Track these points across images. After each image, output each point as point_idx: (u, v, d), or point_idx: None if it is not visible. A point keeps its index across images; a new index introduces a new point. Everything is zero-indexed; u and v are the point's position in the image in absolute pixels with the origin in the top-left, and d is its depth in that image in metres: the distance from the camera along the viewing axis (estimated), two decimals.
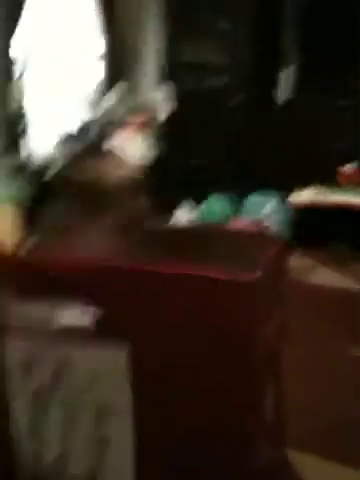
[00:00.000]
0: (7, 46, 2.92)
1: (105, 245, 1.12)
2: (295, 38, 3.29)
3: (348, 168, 2.94)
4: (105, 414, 0.85)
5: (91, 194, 1.15)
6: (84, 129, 2.97)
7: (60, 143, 2.84)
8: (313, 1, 3.21)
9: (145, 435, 0.84)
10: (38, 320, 0.81)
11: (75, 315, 0.81)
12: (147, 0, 3.74)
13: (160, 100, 3.33)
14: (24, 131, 2.99)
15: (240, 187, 3.13)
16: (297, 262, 0.99)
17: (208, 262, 0.76)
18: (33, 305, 0.82)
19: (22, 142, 2.98)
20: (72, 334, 0.82)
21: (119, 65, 3.84)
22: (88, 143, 2.68)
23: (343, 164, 2.95)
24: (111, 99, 3.23)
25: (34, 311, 0.81)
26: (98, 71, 3.75)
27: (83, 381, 0.84)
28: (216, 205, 3.20)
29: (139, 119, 3.11)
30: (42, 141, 3.02)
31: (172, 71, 3.78)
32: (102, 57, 3.74)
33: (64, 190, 1.22)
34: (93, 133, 2.79)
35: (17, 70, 2.99)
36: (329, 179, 2.92)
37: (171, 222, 2.58)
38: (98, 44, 3.68)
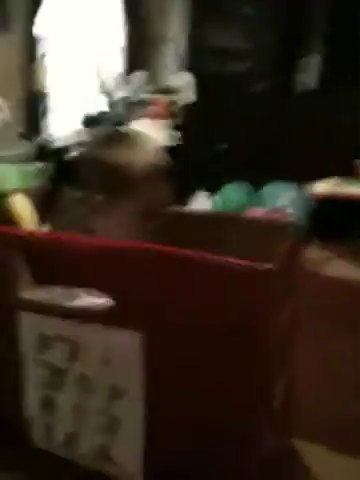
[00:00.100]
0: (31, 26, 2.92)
1: (124, 230, 1.12)
2: (320, 26, 3.25)
3: None
4: (117, 396, 0.86)
5: (114, 178, 1.15)
6: (106, 113, 2.97)
7: (81, 125, 2.85)
8: None
9: (155, 418, 0.85)
10: (55, 301, 0.82)
11: (91, 298, 0.82)
12: None
13: (182, 85, 3.31)
14: (46, 112, 3.00)
15: (258, 176, 3.12)
16: (313, 253, 0.99)
17: (224, 249, 0.76)
18: (50, 287, 0.83)
19: (43, 123, 2.99)
20: (87, 317, 0.83)
21: (142, 49, 3.83)
22: (110, 127, 2.68)
23: None
24: (133, 83, 3.23)
25: (51, 293, 0.82)
26: (120, 55, 3.74)
27: (96, 363, 0.86)
28: (233, 193, 3.19)
29: (161, 104, 3.10)
30: (63, 123, 3.03)
31: (195, 56, 3.75)
32: (125, 41, 3.73)
33: (85, 173, 1.23)
34: (115, 117, 2.79)
35: (40, 50, 3.00)
36: (348, 171, 2.89)
37: (189, 209, 2.58)
38: (121, 28, 3.66)
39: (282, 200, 3.00)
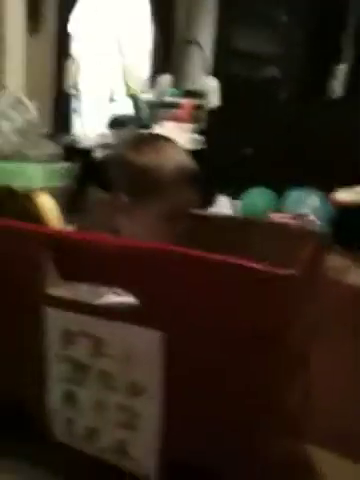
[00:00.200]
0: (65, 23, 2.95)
1: (149, 231, 1.14)
2: (350, 34, 3.24)
3: None
4: (136, 393, 0.88)
5: (142, 181, 1.17)
6: (131, 115, 3.00)
7: (108, 127, 2.88)
8: None
9: (173, 416, 0.86)
10: (81, 298, 0.84)
11: (116, 297, 0.84)
12: None
13: (208, 89, 3.32)
14: (73, 113, 3.04)
15: (281, 182, 3.12)
16: (335, 261, 1.00)
17: (247, 253, 0.77)
18: (76, 284, 0.85)
19: (71, 124, 3.03)
20: (111, 315, 0.84)
21: (169, 53, 3.85)
22: (136, 129, 2.70)
23: None
24: (159, 86, 3.25)
25: (77, 290, 0.84)
26: (147, 58, 3.76)
27: (118, 360, 0.87)
28: (257, 198, 3.19)
29: (186, 108, 3.12)
30: (90, 124, 3.07)
31: (222, 60, 3.76)
32: (152, 44, 3.76)
33: (113, 174, 1.25)
34: (140, 120, 2.82)
35: (70, 51, 3.03)
36: None
37: (213, 213, 2.59)
38: (148, 30, 3.68)
39: (305, 206, 2.99)
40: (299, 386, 0.92)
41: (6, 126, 2.16)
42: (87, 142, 2.80)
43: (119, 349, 0.86)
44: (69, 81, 2.95)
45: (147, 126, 2.89)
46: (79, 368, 0.90)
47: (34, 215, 1.61)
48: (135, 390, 0.87)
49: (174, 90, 3.38)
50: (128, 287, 0.82)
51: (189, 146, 2.80)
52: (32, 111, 2.28)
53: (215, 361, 0.82)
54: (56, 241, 0.89)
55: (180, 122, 3.08)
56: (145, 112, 3.04)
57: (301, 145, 3.16)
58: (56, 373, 0.93)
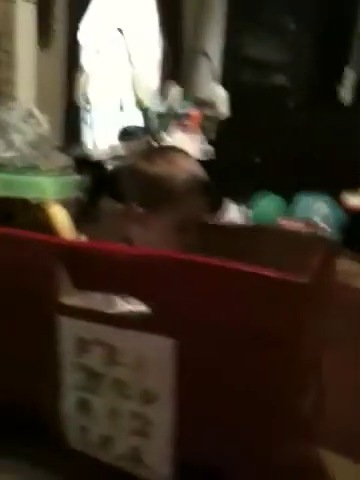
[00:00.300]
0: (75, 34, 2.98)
1: (161, 240, 1.16)
2: (358, 42, 3.24)
3: None
4: (149, 401, 0.89)
5: (154, 191, 1.18)
6: (141, 127, 3.02)
7: (118, 139, 2.90)
8: None
9: (186, 423, 0.87)
10: (94, 307, 0.86)
11: (127, 305, 0.85)
12: None
13: (217, 99, 3.34)
14: (85, 125, 3.06)
15: (292, 188, 3.12)
16: (345, 265, 1.00)
17: (258, 261, 0.78)
18: (89, 293, 0.86)
19: (82, 136, 3.06)
20: (124, 323, 0.85)
21: (177, 62, 3.87)
22: (146, 140, 2.72)
23: None
24: (168, 96, 3.27)
25: (90, 299, 0.86)
26: (156, 68, 3.78)
27: (131, 368, 0.88)
28: (266, 205, 3.20)
29: (195, 118, 3.14)
30: (101, 135, 3.09)
31: (231, 68, 3.78)
32: (161, 54, 3.78)
33: (125, 185, 1.26)
34: (150, 130, 2.84)
35: (81, 64, 3.06)
36: None
37: (223, 220, 2.60)
38: (157, 40, 3.70)
39: (315, 212, 2.99)
40: (312, 390, 0.92)
41: (18, 139, 2.19)
42: (98, 154, 2.83)
43: (132, 357, 0.87)
44: (79, 93, 2.98)
45: (157, 137, 2.91)
46: (93, 376, 0.91)
47: (47, 226, 1.63)
48: (148, 397, 0.88)
49: (183, 100, 3.40)
50: (140, 295, 0.83)
51: (199, 155, 2.81)
52: (44, 124, 2.31)
53: (227, 367, 0.82)
54: (69, 251, 0.91)
55: (189, 131, 3.10)
56: (154, 123, 3.06)
57: (310, 152, 3.16)
58: (70, 381, 0.94)
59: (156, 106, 3.27)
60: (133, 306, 0.84)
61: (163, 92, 3.52)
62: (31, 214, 1.65)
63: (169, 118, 3.19)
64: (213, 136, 3.27)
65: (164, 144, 2.33)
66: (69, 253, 0.90)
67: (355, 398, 0.95)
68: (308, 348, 0.86)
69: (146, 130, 2.97)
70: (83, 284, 0.88)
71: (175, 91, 3.42)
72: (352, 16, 3.29)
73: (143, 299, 0.84)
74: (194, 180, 1.20)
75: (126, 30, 3.23)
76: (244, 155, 3.31)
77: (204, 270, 0.81)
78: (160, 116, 3.18)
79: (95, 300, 0.86)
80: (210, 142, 3.21)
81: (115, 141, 2.96)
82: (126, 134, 2.91)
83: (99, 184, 2.23)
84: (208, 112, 3.29)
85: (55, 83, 2.97)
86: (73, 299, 0.88)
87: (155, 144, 2.45)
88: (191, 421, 0.87)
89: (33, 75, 2.69)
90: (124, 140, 2.87)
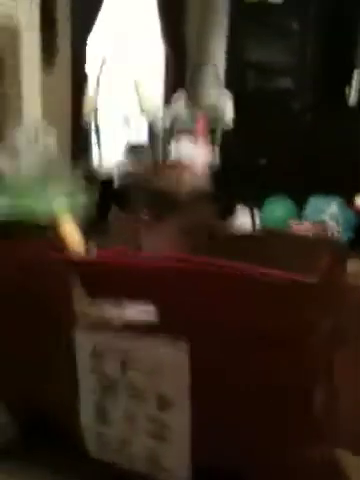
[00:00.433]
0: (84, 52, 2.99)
1: (170, 247, 1.18)
2: None
3: None
4: (165, 405, 0.90)
5: (162, 204, 1.22)
6: (147, 141, 3.04)
7: (126, 153, 2.92)
8: None
9: (202, 426, 0.88)
10: (107, 316, 0.87)
11: (139, 312, 0.86)
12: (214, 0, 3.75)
13: (222, 103, 3.35)
14: (92, 142, 3.07)
15: (300, 191, 3.12)
16: (354, 266, 1.01)
17: (268, 264, 0.80)
18: (103, 303, 0.88)
19: (90, 151, 3.07)
20: (136, 329, 0.87)
21: (182, 69, 3.87)
22: (154, 153, 2.75)
23: None
24: (174, 103, 3.29)
25: (103, 308, 0.87)
26: (161, 76, 3.78)
27: (146, 373, 0.90)
28: (276, 208, 3.20)
29: (201, 123, 3.15)
30: (108, 152, 3.11)
31: (235, 72, 3.77)
32: (165, 61, 3.77)
33: (134, 199, 1.30)
34: (158, 143, 2.86)
35: (88, 82, 3.06)
36: None
37: (232, 224, 2.61)
38: (161, 47, 3.70)
39: (325, 214, 2.99)
40: (325, 391, 0.93)
41: (27, 159, 2.20)
42: (106, 170, 2.85)
43: (147, 362, 0.89)
44: (86, 110, 2.99)
45: (163, 151, 2.93)
46: (109, 382, 0.93)
47: (58, 242, 1.65)
48: (164, 401, 0.89)
49: (189, 107, 3.41)
50: (152, 301, 0.85)
51: (205, 160, 2.82)
52: (52, 143, 2.32)
53: (238, 368, 0.83)
54: (82, 266, 0.93)
55: (196, 138, 3.11)
56: (160, 134, 3.07)
57: (317, 154, 3.16)
58: (87, 388, 0.96)
59: (161, 114, 3.27)
60: (145, 313, 0.86)
61: (168, 99, 3.53)
62: (44, 235, 1.68)
63: (175, 124, 3.19)
64: (220, 140, 3.27)
65: (169, 158, 2.36)
66: (82, 268, 0.92)
67: None
68: (320, 348, 0.87)
69: (151, 144, 2.98)
70: (97, 293, 0.90)
71: (180, 99, 3.43)
72: (357, 18, 3.29)
73: (155, 305, 0.85)
74: (198, 190, 1.25)
75: (129, 39, 3.25)
76: (251, 159, 3.30)
77: (215, 274, 0.82)
78: (166, 125, 3.19)
79: (109, 309, 0.87)
80: (217, 146, 3.22)
81: (122, 157, 2.97)
82: (132, 151, 2.93)
83: (108, 199, 2.25)
84: (214, 116, 3.29)
85: (61, 101, 2.98)
86: (88, 309, 0.90)
87: (163, 159, 2.48)
88: (207, 424, 0.88)
89: (39, 94, 2.70)
90: (130, 157, 2.88)
